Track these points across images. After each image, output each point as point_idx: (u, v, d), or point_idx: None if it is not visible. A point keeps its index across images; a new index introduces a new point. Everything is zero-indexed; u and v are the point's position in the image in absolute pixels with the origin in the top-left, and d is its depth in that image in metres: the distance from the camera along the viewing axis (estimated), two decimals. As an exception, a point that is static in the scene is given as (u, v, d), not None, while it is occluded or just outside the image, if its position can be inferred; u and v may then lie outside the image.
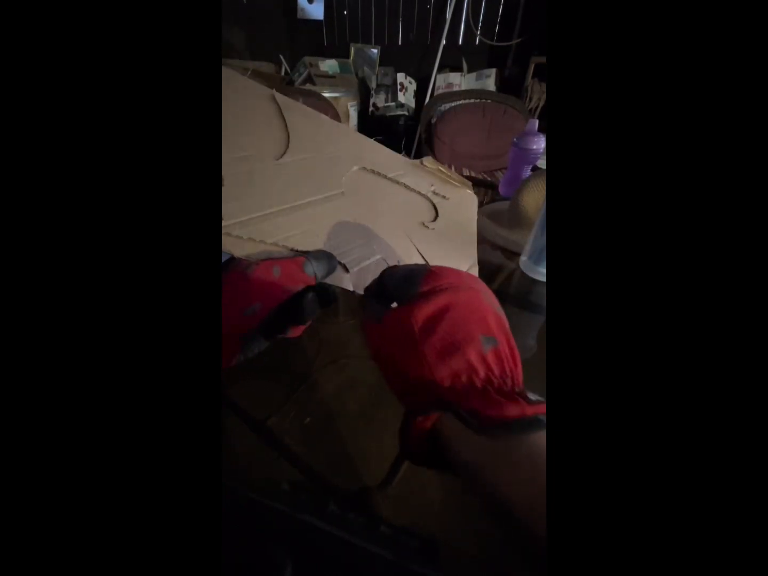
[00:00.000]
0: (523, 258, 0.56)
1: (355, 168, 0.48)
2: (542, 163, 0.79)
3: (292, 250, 0.33)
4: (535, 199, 0.61)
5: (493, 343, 0.19)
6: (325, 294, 0.28)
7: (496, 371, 0.19)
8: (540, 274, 0.53)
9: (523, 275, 0.55)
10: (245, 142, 0.40)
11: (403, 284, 0.23)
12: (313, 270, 0.30)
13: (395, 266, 0.26)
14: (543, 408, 0.17)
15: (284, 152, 0.43)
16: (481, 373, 0.19)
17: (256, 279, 0.26)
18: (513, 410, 0.17)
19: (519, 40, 2.08)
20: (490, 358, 0.19)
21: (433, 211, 0.52)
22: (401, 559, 0.17)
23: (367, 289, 0.27)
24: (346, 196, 0.43)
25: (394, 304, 0.24)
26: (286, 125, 0.46)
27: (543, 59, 1.98)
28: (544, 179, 0.61)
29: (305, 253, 0.32)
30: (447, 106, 1.62)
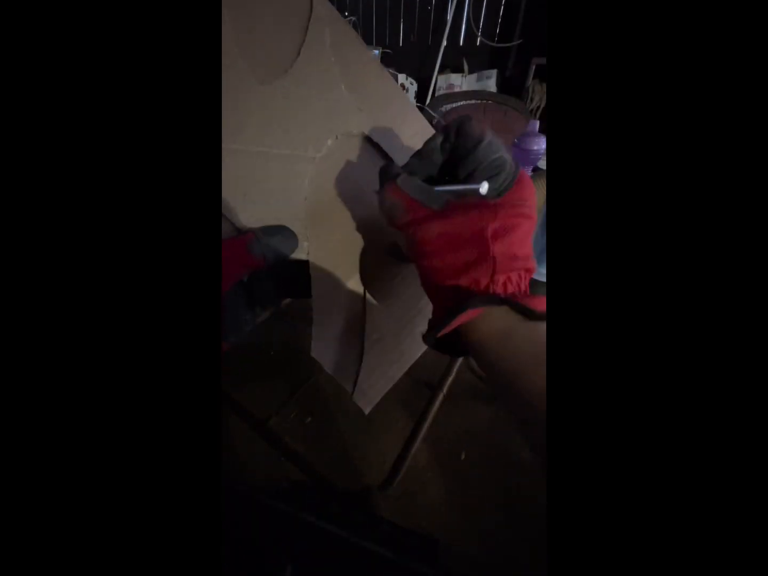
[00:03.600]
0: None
1: (356, 133, 0.32)
2: (543, 164, 0.79)
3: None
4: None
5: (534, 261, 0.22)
6: (280, 278, 0.24)
7: (526, 283, 0.22)
8: (540, 274, 0.53)
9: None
10: (246, 42, 0.26)
11: (493, 170, 0.22)
12: (261, 250, 0.23)
13: (486, 132, 0.22)
14: None
15: (283, 73, 0.28)
16: (526, 283, 0.22)
17: None
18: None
19: (520, 41, 2.07)
20: (529, 275, 0.22)
21: None
22: (402, 558, 0.17)
23: (390, 169, 0.23)
24: (315, 165, 0.30)
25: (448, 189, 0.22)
26: (305, 33, 0.30)
27: (544, 60, 1.98)
28: (544, 180, 0.61)
29: (251, 229, 0.25)
30: (448, 107, 1.62)
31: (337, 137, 0.31)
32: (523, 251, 0.22)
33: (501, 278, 0.21)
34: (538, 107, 2.09)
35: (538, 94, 2.08)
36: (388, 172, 0.23)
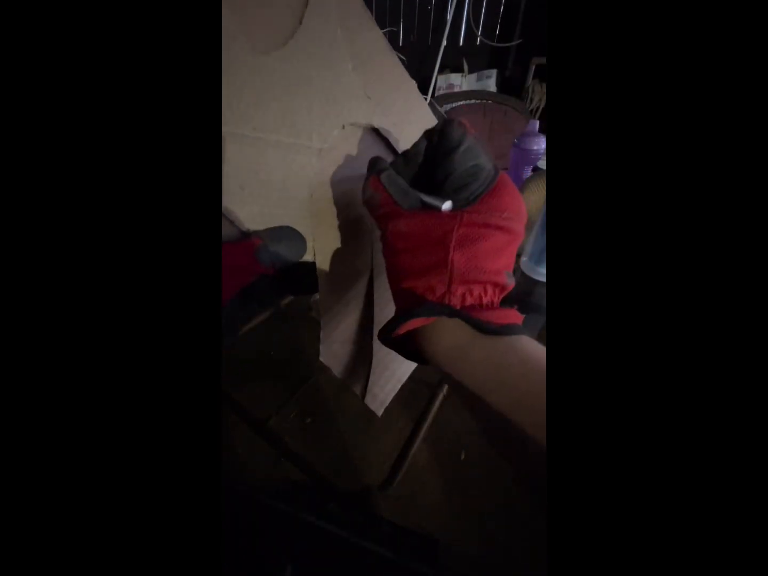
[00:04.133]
0: (523, 258, 0.56)
1: (363, 124, 0.29)
2: (543, 164, 0.79)
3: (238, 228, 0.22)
4: (535, 199, 0.61)
5: (511, 279, 0.21)
6: (288, 280, 0.23)
7: (499, 297, 0.21)
8: (540, 274, 0.53)
9: (524, 275, 0.55)
10: (240, 3, 0.22)
11: (466, 178, 0.21)
12: (270, 257, 0.23)
13: (468, 134, 0.21)
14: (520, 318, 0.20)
15: (282, 44, 0.24)
16: (491, 295, 0.20)
17: None
18: (512, 316, 0.20)
19: (520, 41, 2.07)
20: (502, 288, 0.21)
21: None
22: (402, 558, 0.17)
23: (377, 163, 0.22)
24: (320, 158, 0.27)
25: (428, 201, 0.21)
26: (305, 5, 0.25)
27: (544, 60, 1.98)
28: (544, 180, 0.61)
29: (258, 233, 0.23)
30: (448, 106, 1.62)
31: (343, 127, 0.27)
32: (492, 265, 0.20)
33: (459, 289, 0.20)
34: (538, 107, 2.09)
35: (537, 94, 2.08)
36: (375, 165, 0.22)
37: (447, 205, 0.20)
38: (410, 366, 0.29)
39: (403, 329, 0.21)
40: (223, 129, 0.22)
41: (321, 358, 0.25)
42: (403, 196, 0.21)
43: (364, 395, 0.26)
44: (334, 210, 0.28)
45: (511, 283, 0.21)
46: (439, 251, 0.20)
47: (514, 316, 0.20)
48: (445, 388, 0.41)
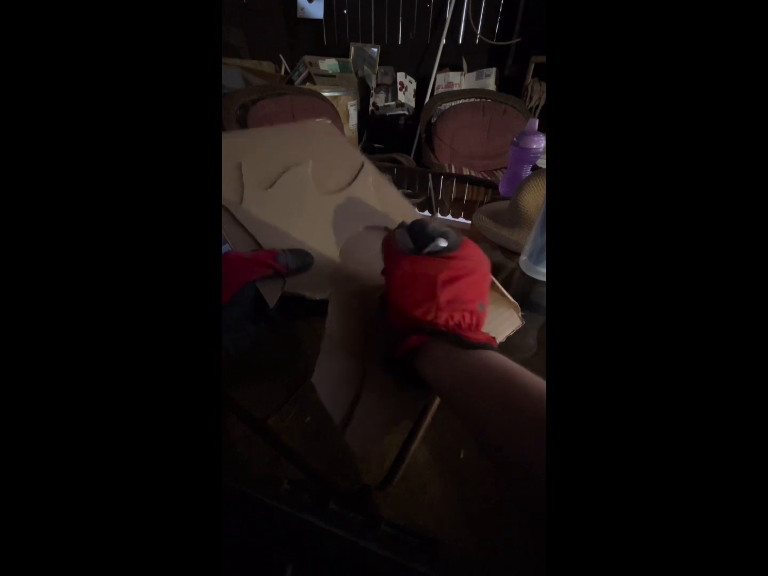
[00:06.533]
0: (522, 258, 0.56)
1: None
2: (542, 163, 0.79)
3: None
4: (534, 198, 0.61)
5: (482, 308, 0.29)
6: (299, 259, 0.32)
7: (477, 321, 0.28)
8: (540, 273, 0.53)
9: (523, 275, 0.55)
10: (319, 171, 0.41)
11: (442, 239, 0.29)
12: (286, 260, 0.31)
13: (436, 219, 0.29)
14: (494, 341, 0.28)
15: (337, 191, 0.42)
16: (468, 320, 0.28)
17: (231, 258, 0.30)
18: (485, 337, 0.27)
19: (519, 39, 2.07)
20: (477, 314, 0.28)
21: None
22: (401, 558, 0.17)
23: (402, 225, 0.32)
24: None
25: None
26: (356, 174, 0.45)
27: (543, 58, 1.98)
28: (543, 178, 0.61)
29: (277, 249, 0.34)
30: (447, 105, 1.62)
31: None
32: (468, 296, 0.28)
33: (443, 315, 0.27)
34: (537, 105, 2.09)
35: (536, 93, 2.08)
36: (398, 227, 0.32)
37: (443, 242, 0.28)
38: (396, 419, 0.29)
39: (405, 345, 0.28)
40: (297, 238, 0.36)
41: (312, 379, 0.29)
42: (405, 245, 0.30)
43: (344, 430, 0.28)
44: (351, 273, 0.37)
45: (481, 311, 0.28)
46: (430, 287, 0.27)
47: (486, 337, 0.27)
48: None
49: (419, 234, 0.29)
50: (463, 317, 0.27)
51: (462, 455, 0.33)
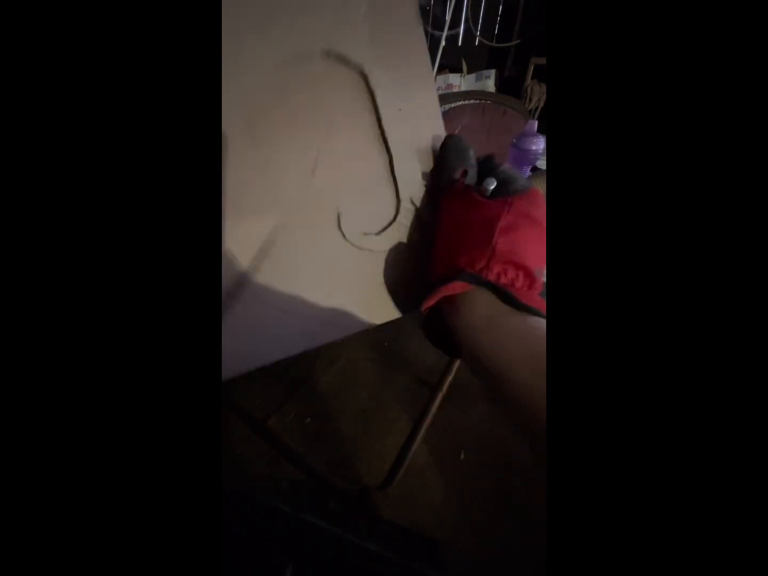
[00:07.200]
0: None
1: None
2: (541, 164, 0.79)
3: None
4: (534, 199, 0.61)
5: (540, 274, 0.24)
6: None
7: (531, 284, 0.24)
8: (540, 274, 0.53)
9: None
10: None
11: (510, 179, 0.25)
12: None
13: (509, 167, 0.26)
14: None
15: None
16: (522, 282, 0.24)
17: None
18: (539, 303, 0.22)
19: (519, 41, 2.08)
20: (533, 278, 0.24)
21: None
22: (402, 558, 0.17)
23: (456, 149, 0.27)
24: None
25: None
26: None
27: (542, 60, 1.98)
28: (543, 180, 0.61)
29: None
30: (447, 106, 1.62)
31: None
32: (528, 251, 0.24)
33: (496, 267, 0.23)
34: (537, 107, 2.09)
35: (536, 94, 2.08)
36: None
37: (491, 183, 0.24)
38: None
39: (445, 290, 0.23)
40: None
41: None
42: (472, 180, 0.26)
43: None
44: None
45: (539, 278, 0.24)
46: (485, 232, 0.23)
47: (540, 303, 0.23)
48: (445, 387, 0.41)
49: (486, 170, 0.25)
50: (517, 276, 0.23)
51: (462, 456, 0.33)
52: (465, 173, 0.26)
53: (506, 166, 0.26)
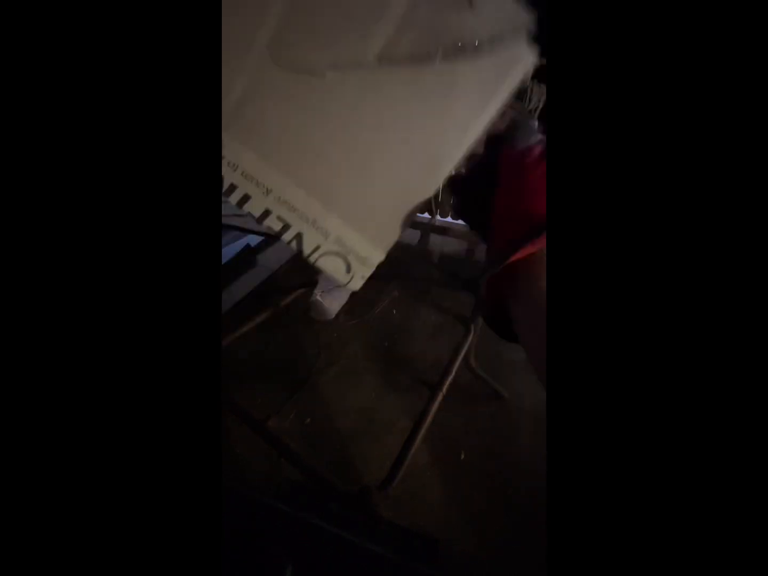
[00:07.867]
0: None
1: None
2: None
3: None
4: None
5: None
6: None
7: None
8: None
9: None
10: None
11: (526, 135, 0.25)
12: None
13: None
14: None
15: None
16: None
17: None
18: None
19: (518, 41, 2.08)
20: None
21: None
22: (402, 558, 0.17)
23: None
24: None
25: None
26: None
27: (543, 61, 1.99)
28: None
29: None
30: (447, 107, 1.62)
31: None
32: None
33: None
34: (536, 107, 2.09)
35: (536, 95, 2.09)
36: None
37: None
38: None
39: (524, 252, 0.21)
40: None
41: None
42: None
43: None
44: None
45: None
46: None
47: None
48: (445, 387, 0.41)
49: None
50: None
51: (463, 456, 0.33)
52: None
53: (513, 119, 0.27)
